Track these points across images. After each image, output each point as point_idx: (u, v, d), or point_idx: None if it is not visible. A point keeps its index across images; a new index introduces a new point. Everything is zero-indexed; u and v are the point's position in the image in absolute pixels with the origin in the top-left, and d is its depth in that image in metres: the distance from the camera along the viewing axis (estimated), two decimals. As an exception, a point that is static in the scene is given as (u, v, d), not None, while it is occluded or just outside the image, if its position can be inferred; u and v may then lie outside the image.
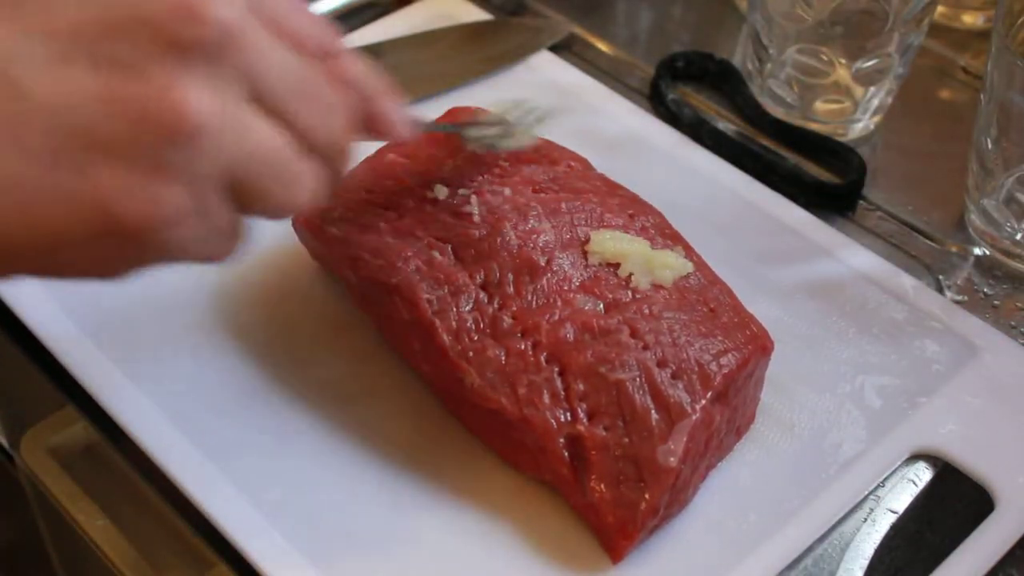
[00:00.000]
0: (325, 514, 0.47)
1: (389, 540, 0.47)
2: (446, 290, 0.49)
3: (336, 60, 0.39)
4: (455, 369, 0.47)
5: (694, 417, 0.46)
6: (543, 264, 0.49)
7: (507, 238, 0.50)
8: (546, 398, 0.46)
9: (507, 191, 0.52)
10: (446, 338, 0.48)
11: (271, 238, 0.58)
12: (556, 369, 0.47)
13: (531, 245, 0.50)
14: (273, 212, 0.37)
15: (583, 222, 0.52)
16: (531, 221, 0.51)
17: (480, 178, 0.53)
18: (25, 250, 0.34)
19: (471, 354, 0.47)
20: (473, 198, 0.51)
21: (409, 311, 0.49)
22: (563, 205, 0.52)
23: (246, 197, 0.36)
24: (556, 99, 0.68)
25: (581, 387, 0.46)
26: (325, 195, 0.39)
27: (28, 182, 0.33)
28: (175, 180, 0.34)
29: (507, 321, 0.48)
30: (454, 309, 0.48)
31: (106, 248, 0.34)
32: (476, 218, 0.51)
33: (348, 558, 0.46)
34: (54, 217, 0.33)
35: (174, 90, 0.33)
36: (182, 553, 0.49)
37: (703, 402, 0.46)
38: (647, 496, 0.45)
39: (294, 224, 0.55)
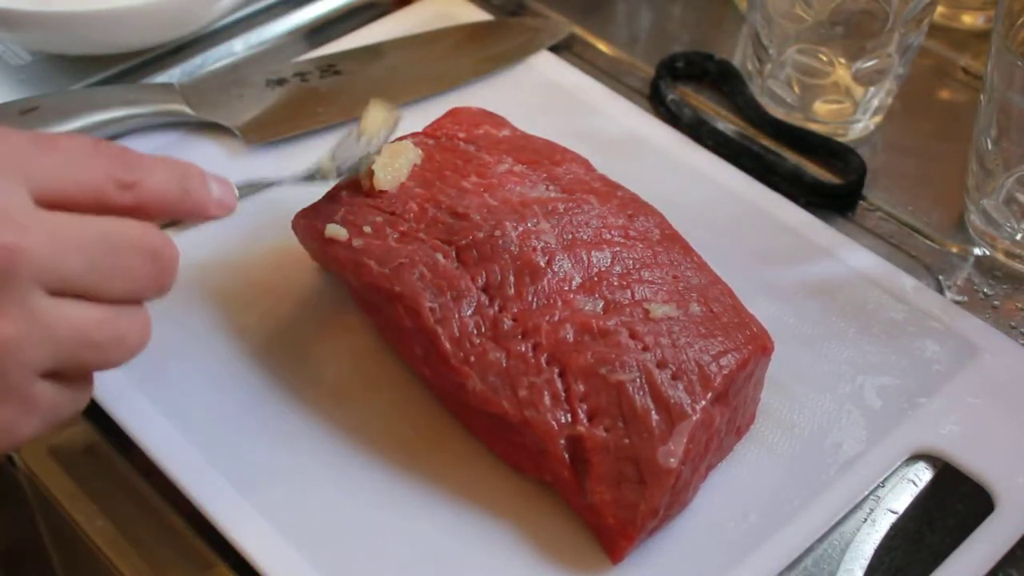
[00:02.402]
0: (325, 514, 0.47)
1: (389, 540, 0.47)
2: (448, 296, 0.48)
3: (132, 188, 0.39)
4: (457, 375, 0.47)
5: (694, 418, 0.46)
6: (543, 265, 0.49)
7: (508, 239, 0.50)
8: (547, 400, 0.46)
9: (508, 191, 0.52)
10: (448, 345, 0.48)
11: (271, 238, 0.58)
12: (556, 370, 0.47)
13: (531, 246, 0.50)
14: (105, 369, 0.39)
15: (583, 223, 0.52)
16: (528, 220, 0.51)
17: (480, 179, 0.53)
18: None
19: (472, 359, 0.47)
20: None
21: (412, 319, 0.49)
22: (562, 206, 0.52)
23: (71, 375, 0.38)
24: (556, 99, 0.68)
25: (581, 388, 0.46)
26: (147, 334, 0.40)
27: None
28: (11, 412, 0.36)
29: (508, 323, 0.48)
30: (456, 315, 0.48)
31: None
32: (477, 219, 0.51)
33: (348, 558, 0.46)
34: None
35: None
36: (182, 553, 0.49)
37: (703, 403, 0.46)
38: (647, 497, 0.45)
39: (294, 225, 0.54)
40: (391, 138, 0.54)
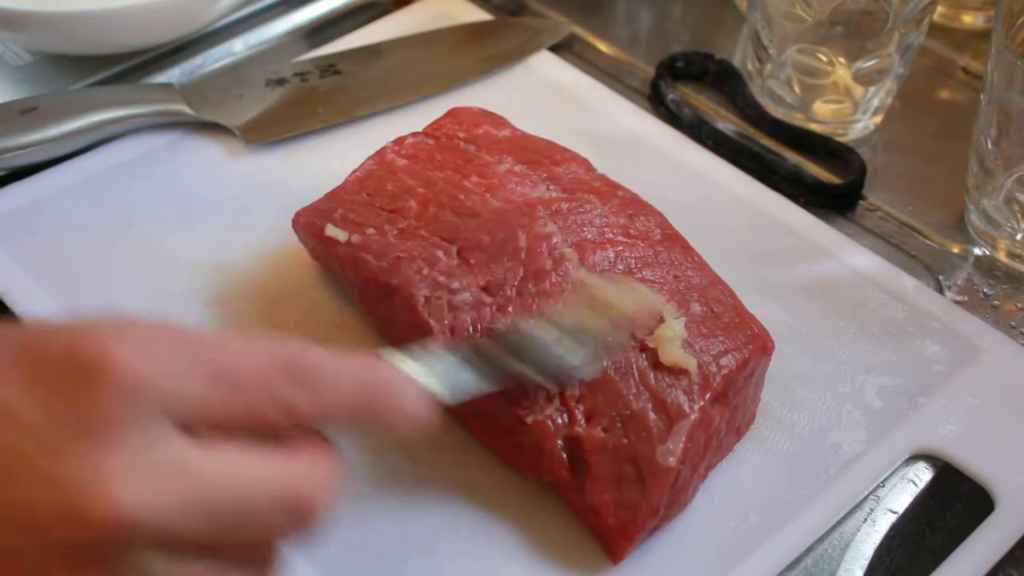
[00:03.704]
0: (325, 514, 0.47)
1: (389, 540, 0.47)
2: (445, 291, 0.48)
3: (297, 411, 0.34)
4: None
5: (693, 417, 0.46)
6: (549, 268, 0.49)
7: (517, 242, 0.50)
8: (542, 399, 0.46)
9: (509, 191, 0.52)
10: (441, 340, 0.48)
11: (272, 238, 0.58)
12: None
13: (541, 248, 0.50)
14: None
15: (585, 223, 0.52)
16: (538, 222, 0.51)
17: (481, 179, 0.53)
18: None
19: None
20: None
21: (407, 312, 0.49)
22: (564, 206, 0.52)
23: None
24: (556, 99, 0.68)
25: (578, 388, 0.46)
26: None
27: None
28: None
29: (505, 323, 0.48)
30: (451, 310, 0.48)
31: None
32: (483, 219, 0.51)
33: (348, 558, 0.46)
34: None
35: None
36: None
37: (702, 403, 0.46)
38: (647, 497, 0.45)
39: (294, 224, 0.55)
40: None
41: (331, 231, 0.51)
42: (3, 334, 0.33)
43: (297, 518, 0.34)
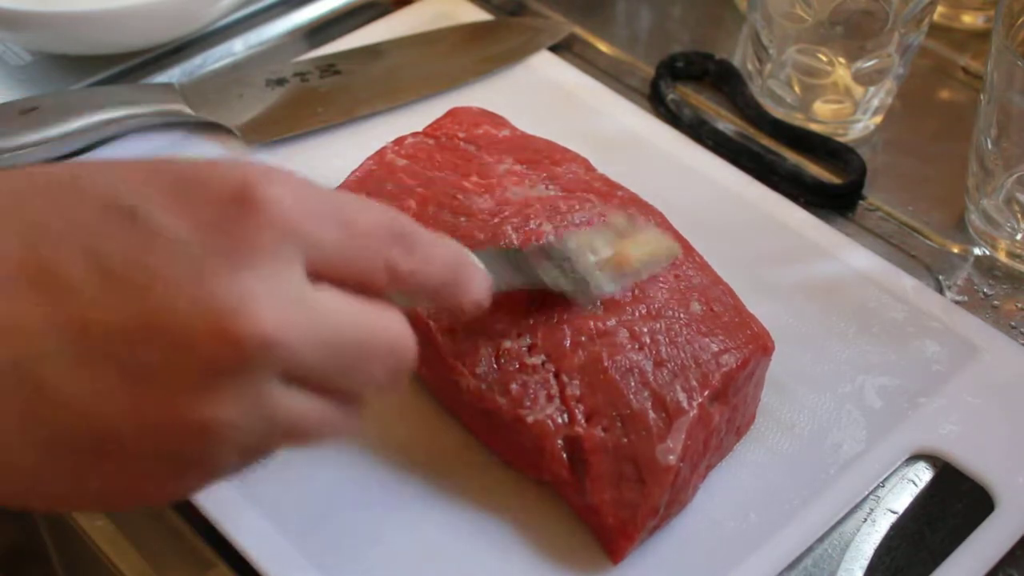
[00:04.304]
0: (325, 514, 0.47)
1: (389, 540, 0.47)
2: (445, 290, 0.48)
3: (404, 280, 0.37)
4: (451, 371, 0.47)
5: (692, 414, 0.46)
6: (543, 264, 0.49)
7: (510, 239, 0.50)
8: (543, 399, 0.46)
9: (508, 191, 0.52)
10: (441, 339, 0.48)
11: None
12: (552, 370, 0.47)
13: (523, 244, 0.50)
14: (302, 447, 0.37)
15: (584, 222, 0.52)
16: (532, 221, 0.51)
17: (481, 179, 0.53)
18: (37, 504, 0.36)
19: (467, 356, 0.47)
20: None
21: (407, 313, 0.49)
22: (563, 205, 0.52)
23: (268, 452, 0.36)
24: (556, 99, 0.68)
25: (578, 388, 0.46)
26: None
27: (40, 467, 0.33)
28: (198, 472, 0.34)
29: (504, 322, 0.48)
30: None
31: (114, 507, 0.36)
32: (479, 218, 0.51)
33: (348, 558, 0.46)
34: (63, 492, 0.34)
35: (195, 403, 0.32)
36: (182, 553, 0.48)
37: (701, 400, 0.46)
38: (647, 496, 0.45)
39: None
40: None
41: None
42: (160, 166, 0.34)
43: (397, 366, 0.37)
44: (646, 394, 0.46)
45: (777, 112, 0.68)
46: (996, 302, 0.60)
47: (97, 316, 0.32)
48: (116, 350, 0.32)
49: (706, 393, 0.46)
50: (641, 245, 0.48)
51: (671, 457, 0.45)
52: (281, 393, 0.34)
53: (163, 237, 0.32)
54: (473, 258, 0.42)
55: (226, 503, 0.47)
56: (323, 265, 0.35)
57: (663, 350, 0.47)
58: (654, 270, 0.49)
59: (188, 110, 0.64)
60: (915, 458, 0.51)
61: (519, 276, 0.46)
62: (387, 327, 0.36)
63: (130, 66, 0.70)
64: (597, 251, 0.48)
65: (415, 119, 0.62)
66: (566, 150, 0.57)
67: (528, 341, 0.47)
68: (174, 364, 0.32)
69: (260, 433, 0.34)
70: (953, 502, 0.50)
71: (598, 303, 0.48)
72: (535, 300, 0.48)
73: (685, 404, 0.46)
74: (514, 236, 0.50)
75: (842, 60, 0.64)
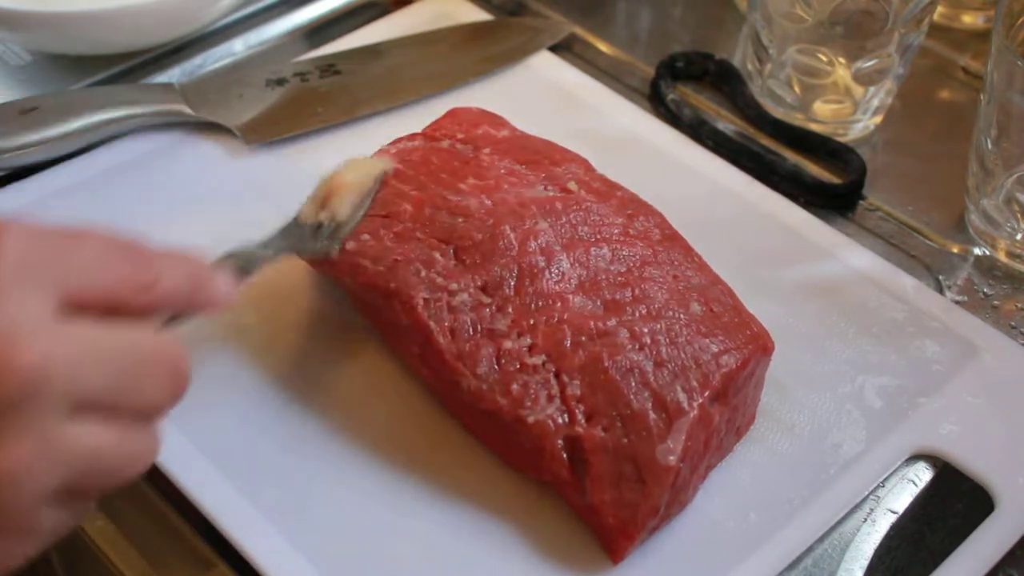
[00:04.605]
0: (325, 514, 0.47)
1: (389, 540, 0.47)
2: (444, 293, 0.48)
3: (150, 289, 0.38)
4: (452, 372, 0.47)
5: (692, 415, 0.46)
6: (543, 265, 0.49)
7: (507, 239, 0.50)
8: (543, 400, 0.46)
9: (507, 192, 0.52)
10: (442, 340, 0.48)
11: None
12: (553, 370, 0.47)
13: (531, 246, 0.50)
14: (109, 489, 0.37)
15: (583, 222, 0.52)
16: (527, 221, 0.51)
17: (479, 180, 0.53)
18: None
19: (467, 356, 0.47)
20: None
21: (407, 315, 0.49)
22: (560, 205, 0.52)
23: (81, 494, 0.36)
24: (556, 99, 0.68)
25: (579, 388, 0.46)
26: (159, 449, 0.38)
27: None
28: (14, 540, 0.34)
29: (504, 323, 0.48)
30: (451, 312, 0.48)
31: None
32: (477, 219, 0.51)
33: (348, 558, 0.46)
34: None
35: None
36: (182, 553, 0.49)
37: (701, 400, 0.46)
38: (647, 496, 0.45)
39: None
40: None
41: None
42: None
43: (175, 380, 0.37)
44: (646, 394, 0.46)
45: (777, 112, 0.68)
46: (996, 302, 0.60)
47: None
48: None
49: (706, 393, 0.46)
50: (349, 171, 0.51)
51: (671, 457, 0.45)
52: (68, 427, 0.34)
53: None
54: (209, 261, 0.42)
55: (227, 503, 0.47)
56: (69, 297, 0.35)
57: (663, 350, 0.47)
58: (371, 192, 0.51)
59: (188, 110, 0.64)
60: (915, 458, 0.51)
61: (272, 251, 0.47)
62: (155, 339, 0.37)
63: (130, 66, 0.70)
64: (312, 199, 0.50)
65: (415, 119, 0.62)
66: (565, 150, 0.57)
67: (528, 341, 0.48)
68: None
69: (59, 473, 0.34)
70: (953, 502, 0.50)
71: (335, 248, 0.49)
72: (535, 300, 0.48)
73: (685, 405, 0.46)
74: (511, 236, 0.50)
75: (842, 60, 0.64)
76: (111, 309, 0.36)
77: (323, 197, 0.50)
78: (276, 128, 0.65)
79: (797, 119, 0.68)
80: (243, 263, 0.44)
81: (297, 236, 0.49)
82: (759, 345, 0.49)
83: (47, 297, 0.34)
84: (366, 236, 0.51)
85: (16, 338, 0.32)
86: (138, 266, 0.37)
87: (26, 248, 0.35)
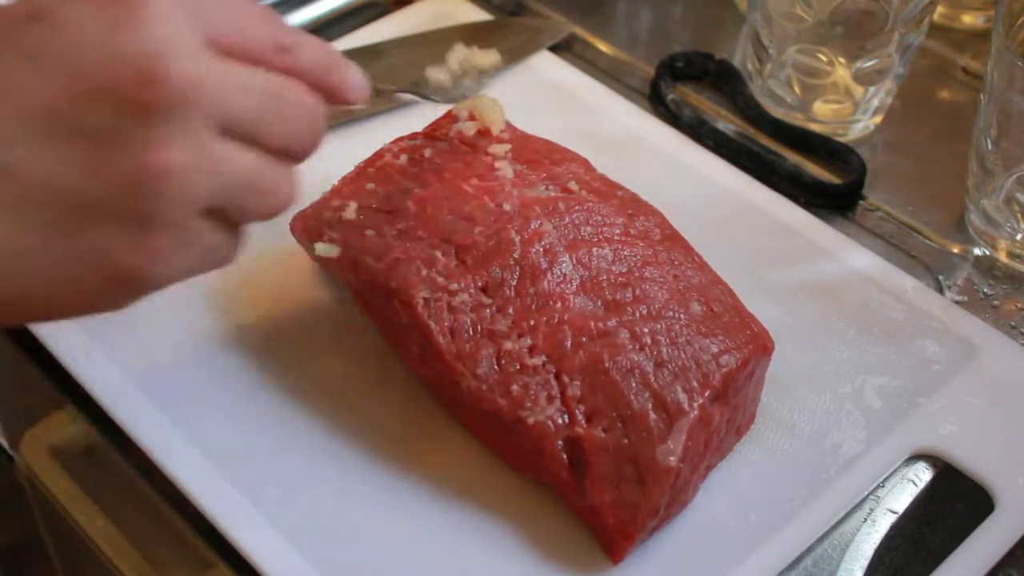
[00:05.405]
0: (325, 514, 0.47)
1: (389, 540, 0.47)
2: (444, 292, 0.48)
3: (290, 52, 0.41)
4: (452, 372, 0.47)
5: (692, 415, 0.46)
6: (545, 266, 0.49)
7: (510, 240, 0.50)
8: (543, 400, 0.46)
9: (508, 192, 0.52)
10: (442, 340, 0.48)
11: (271, 238, 0.58)
12: (553, 371, 0.47)
13: (534, 247, 0.50)
14: (258, 220, 0.41)
15: (583, 223, 0.52)
16: (531, 222, 0.51)
17: (480, 180, 0.53)
18: (39, 303, 0.39)
19: (467, 356, 0.47)
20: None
21: (407, 314, 0.49)
22: (562, 205, 0.52)
23: (230, 217, 0.40)
24: (556, 99, 0.68)
25: (579, 389, 0.46)
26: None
27: (36, 251, 0.37)
28: (161, 227, 0.37)
29: (505, 324, 0.48)
30: (451, 312, 0.48)
31: (109, 291, 0.38)
32: (478, 219, 0.51)
33: (348, 558, 0.46)
34: (62, 277, 0.37)
35: (146, 151, 0.36)
36: (182, 553, 0.49)
37: (701, 401, 0.46)
38: (647, 496, 0.45)
39: (292, 229, 0.54)
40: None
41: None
42: None
43: (312, 124, 0.41)
44: (647, 395, 0.46)
45: (777, 112, 0.68)
46: (996, 302, 0.60)
47: (39, 97, 0.35)
48: (65, 120, 0.35)
49: (707, 394, 0.46)
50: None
51: (672, 458, 0.45)
52: (218, 142, 0.37)
53: (71, 21, 0.36)
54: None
55: (227, 503, 0.47)
56: (215, 40, 0.38)
57: (664, 351, 0.47)
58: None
59: (188, 110, 0.64)
60: (915, 458, 0.51)
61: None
62: (297, 86, 0.40)
63: (130, 66, 0.70)
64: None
65: (415, 119, 0.62)
66: (566, 150, 0.57)
67: (529, 342, 0.48)
68: (115, 118, 0.35)
69: (209, 182, 0.37)
70: (953, 502, 0.50)
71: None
72: (536, 300, 0.48)
73: (686, 405, 0.46)
74: (515, 237, 0.50)
75: (842, 60, 0.64)
76: (252, 63, 0.39)
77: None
78: (276, 128, 0.65)
79: (797, 119, 0.68)
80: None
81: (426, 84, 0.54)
82: (759, 345, 0.49)
83: (197, 31, 0.37)
84: (370, 231, 0.51)
85: (170, 53, 0.35)
86: (279, 30, 0.40)
87: None
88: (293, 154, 0.41)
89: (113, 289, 0.38)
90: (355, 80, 0.44)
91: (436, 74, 0.58)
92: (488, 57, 0.60)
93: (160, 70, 0.35)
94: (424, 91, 0.56)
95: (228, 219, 0.40)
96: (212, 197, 0.38)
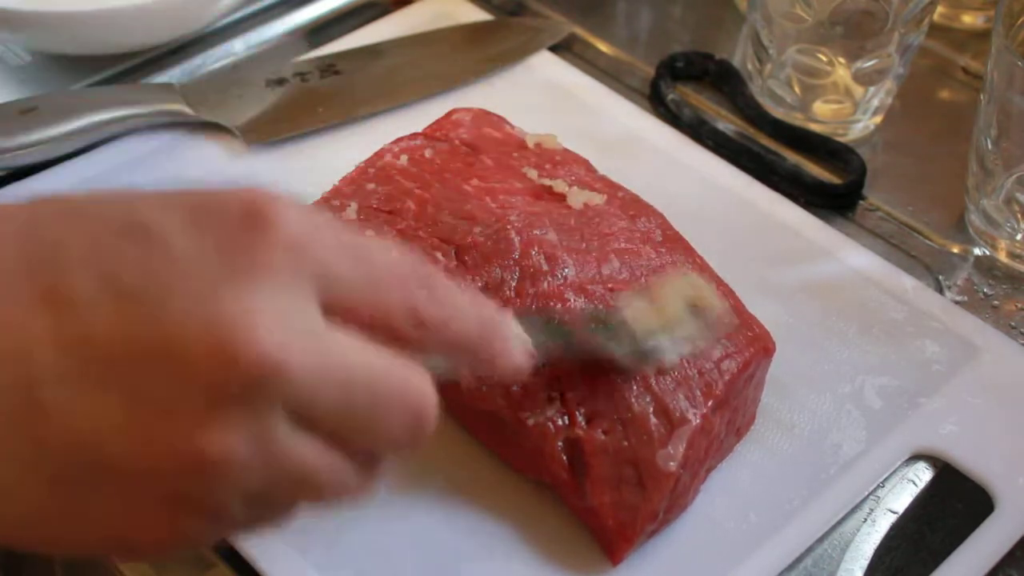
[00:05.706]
0: (324, 514, 0.47)
1: (389, 540, 0.47)
2: (445, 291, 0.48)
3: (426, 327, 0.35)
4: (452, 371, 0.47)
5: (695, 423, 0.46)
6: (545, 268, 0.49)
7: (510, 241, 0.50)
8: (543, 402, 0.46)
9: (508, 192, 0.52)
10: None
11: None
12: (553, 372, 0.47)
13: (534, 248, 0.50)
14: (316, 507, 0.35)
15: (584, 223, 0.52)
16: (537, 225, 0.51)
17: (480, 180, 0.53)
18: (33, 545, 0.34)
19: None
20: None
21: None
22: (563, 207, 0.52)
23: (277, 504, 0.34)
24: (556, 99, 0.68)
25: (579, 391, 0.46)
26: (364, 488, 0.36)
27: (42, 504, 0.32)
28: (192, 511, 0.32)
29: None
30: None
31: (108, 552, 0.35)
32: (479, 220, 0.51)
33: (347, 558, 0.46)
34: (66, 534, 0.33)
35: (202, 433, 0.30)
36: (182, 553, 0.49)
37: (704, 410, 0.46)
38: (646, 500, 0.45)
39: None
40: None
41: None
42: (177, 191, 0.33)
43: (416, 424, 0.34)
44: (648, 399, 0.46)
45: (777, 112, 0.68)
46: (996, 302, 0.60)
47: (101, 334, 0.30)
48: (117, 371, 0.30)
49: (710, 403, 0.46)
50: (676, 290, 0.45)
51: (672, 464, 0.45)
52: (288, 434, 0.32)
53: (169, 250, 0.31)
54: (507, 316, 0.39)
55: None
56: (338, 301, 0.33)
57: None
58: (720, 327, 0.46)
59: (188, 110, 0.64)
60: (915, 458, 0.51)
61: (561, 343, 0.43)
62: (406, 378, 0.34)
63: (130, 66, 0.70)
64: (646, 313, 0.45)
65: (415, 119, 0.62)
66: (566, 150, 0.57)
67: (528, 342, 0.47)
68: (174, 386, 0.30)
69: (265, 477, 0.32)
70: (953, 502, 0.50)
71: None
72: (536, 302, 0.48)
73: (689, 414, 0.46)
74: (515, 238, 0.50)
75: (842, 60, 0.64)
76: (376, 330, 0.33)
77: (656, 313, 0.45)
78: (276, 128, 0.65)
79: (797, 119, 0.68)
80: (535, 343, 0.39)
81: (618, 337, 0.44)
82: (760, 347, 0.49)
83: (312, 297, 0.32)
84: (370, 232, 0.51)
85: (258, 326, 0.30)
86: (423, 298, 0.34)
87: (305, 230, 0.32)
88: (375, 458, 0.35)
89: (112, 552, 0.34)
90: (514, 351, 0.38)
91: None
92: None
93: (233, 347, 0.30)
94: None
95: (270, 503, 0.33)
96: (259, 489, 0.32)
